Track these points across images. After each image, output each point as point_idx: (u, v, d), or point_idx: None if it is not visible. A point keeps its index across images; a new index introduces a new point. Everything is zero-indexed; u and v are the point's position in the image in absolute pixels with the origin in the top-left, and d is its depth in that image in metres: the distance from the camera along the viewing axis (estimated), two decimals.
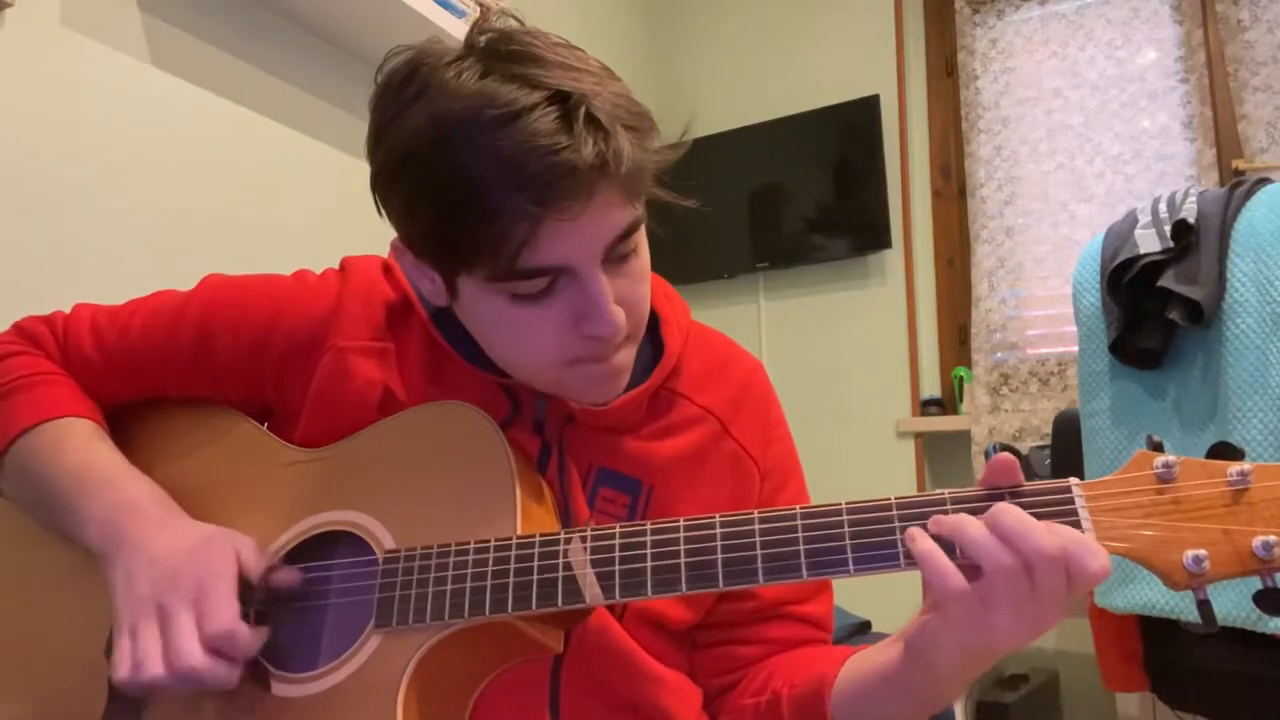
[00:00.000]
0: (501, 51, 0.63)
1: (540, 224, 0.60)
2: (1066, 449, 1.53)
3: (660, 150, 0.66)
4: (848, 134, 2.78)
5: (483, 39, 0.65)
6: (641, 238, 0.69)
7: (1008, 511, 0.55)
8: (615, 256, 0.66)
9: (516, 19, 0.68)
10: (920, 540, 0.56)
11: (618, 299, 0.66)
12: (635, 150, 0.62)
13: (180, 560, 0.67)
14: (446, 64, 0.63)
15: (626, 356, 0.71)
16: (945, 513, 0.57)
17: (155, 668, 0.63)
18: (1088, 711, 2.36)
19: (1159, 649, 1.38)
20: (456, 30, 1.86)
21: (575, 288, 0.65)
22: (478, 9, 1.96)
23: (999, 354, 2.58)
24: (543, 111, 0.59)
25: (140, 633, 0.64)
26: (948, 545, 0.56)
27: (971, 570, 0.55)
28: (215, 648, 0.64)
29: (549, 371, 0.70)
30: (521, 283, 0.64)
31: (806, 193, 2.84)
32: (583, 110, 0.60)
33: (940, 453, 2.69)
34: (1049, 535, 0.53)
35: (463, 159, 0.60)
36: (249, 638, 0.65)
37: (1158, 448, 0.58)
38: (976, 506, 0.58)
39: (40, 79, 1.39)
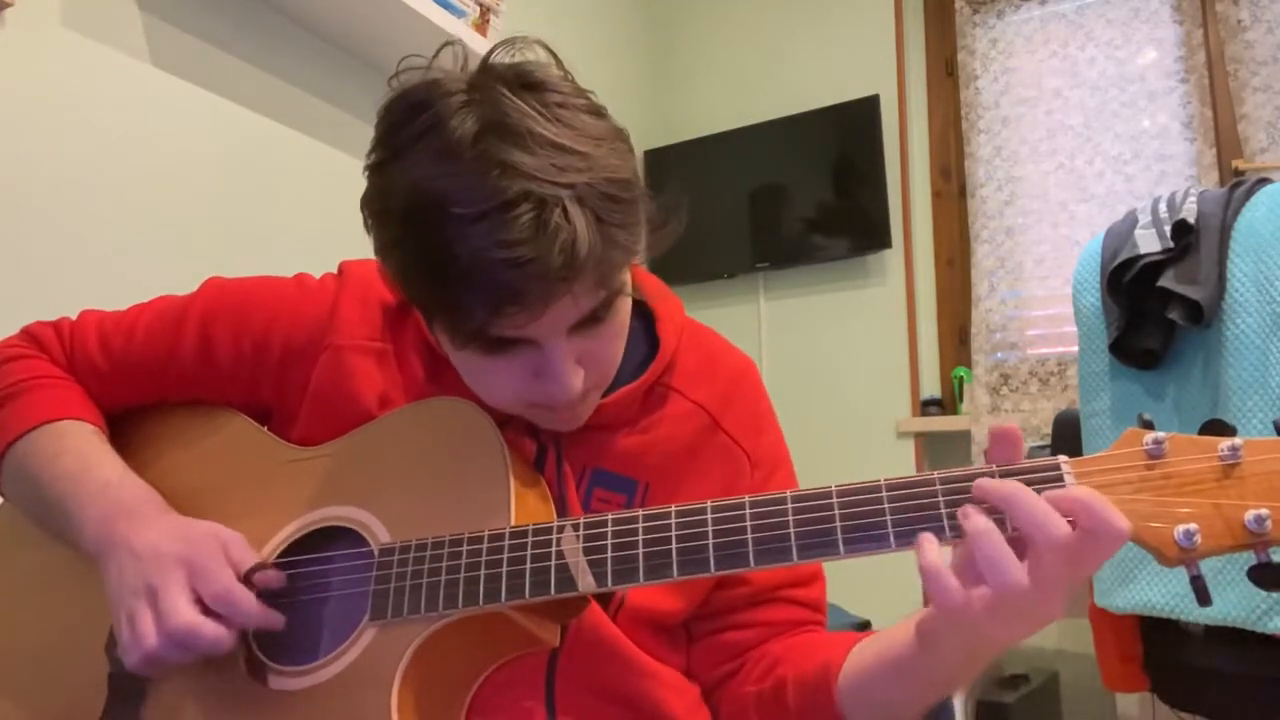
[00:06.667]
0: (493, 121, 0.61)
1: (496, 321, 0.61)
2: (1066, 449, 1.52)
3: (640, 242, 0.65)
4: (848, 134, 2.78)
5: (489, 85, 0.63)
6: (621, 300, 0.69)
7: (1026, 500, 0.54)
8: (584, 322, 0.66)
9: (544, 45, 0.68)
10: (926, 553, 0.56)
11: (583, 357, 0.67)
12: (609, 250, 0.61)
13: (165, 546, 0.68)
14: (452, 110, 0.62)
15: (589, 403, 0.72)
16: (934, 494, 0.57)
17: (150, 638, 0.64)
18: (1088, 711, 2.36)
19: (1159, 649, 1.38)
20: (456, 29, 1.86)
21: (535, 352, 0.66)
22: (477, 9, 1.96)
23: (999, 354, 2.58)
24: (515, 213, 0.58)
25: (135, 615, 0.66)
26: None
27: (972, 579, 0.55)
28: (213, 609, 0.65)
29: (510, 408, 0.72)
30: (481, 344, 0.65)
31: (806, 193, 2.83)
32: (556, 214, 0.58)
33: (940, 453, 2.69)
34: (1062, 522, 0.53)
35: (432, 245, 0.60)
36: (250, 599, 0.67)
37: (1148, 425, 0.57)
38: (963, 486, 0.58)
39: (40, 79, 1.39)
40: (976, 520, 0.55)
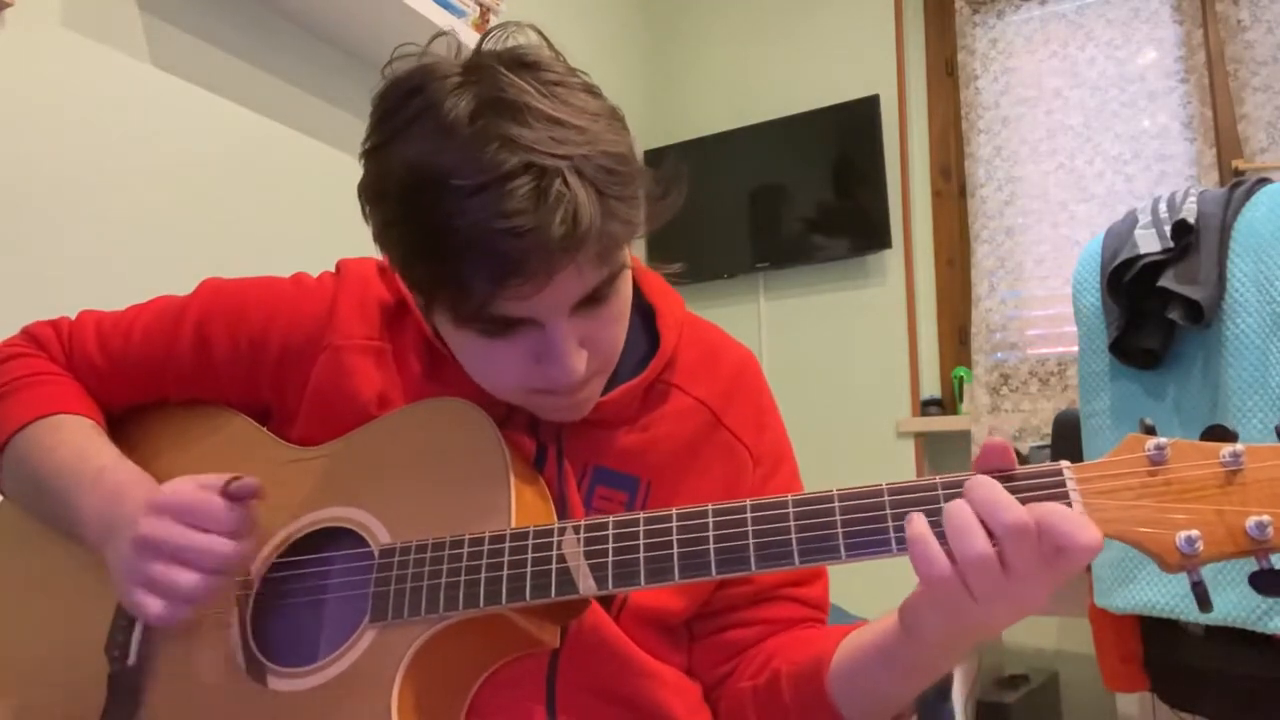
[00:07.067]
0: (489, 98, 0.61)
1: (499, 293, 0.61)
2: (1066, 449, 1.53)
3: (640, 216, 0.65)
4: (848, 134, 2.78)
5: (484, 66, 0.63)
6: (622, 280, 0.69)
7: (982, 484, 0.55)
8: (586, 302, 0.66)
9: (536, 29, 0.68)
10: (915, 524, 0.57)
11: (585, 340, 0.67)
12: (610, 222, 0.61)
13: (155, 504, 0.68)
14: (447, 91, 0.62)
15: (592, 389, 0.72)
16: (936, 498, 0.58)
17: (188, 577, 0.65)
18: (1088, 711, 2.36)
19: (1159, 649, 1.38)
20: (455, 29, 1.86)
21: (538, 333, 0.65)
22: (477, 9, 1.96)
23: (999, 354, 2.58)
24: (515, 184, 0.58)
25: (151, 573, 0.66)
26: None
27: (950, 553, 0.55)
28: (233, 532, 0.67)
29: (513, 395, 0.72)
30: (483, 324, 0.65)
31: (806, 193, 2.84)
32: (556, 184, 0.58)
33: (940, 453, 2.69)
34: (1016, 508, 0.53)
35: (432, 220, 0.60)
36: (244, 512, 0.68)
37: (1150, 431, 0.57)
38: None
39: (40, 79, 1.39)
40: (952, 503, 0.56)
